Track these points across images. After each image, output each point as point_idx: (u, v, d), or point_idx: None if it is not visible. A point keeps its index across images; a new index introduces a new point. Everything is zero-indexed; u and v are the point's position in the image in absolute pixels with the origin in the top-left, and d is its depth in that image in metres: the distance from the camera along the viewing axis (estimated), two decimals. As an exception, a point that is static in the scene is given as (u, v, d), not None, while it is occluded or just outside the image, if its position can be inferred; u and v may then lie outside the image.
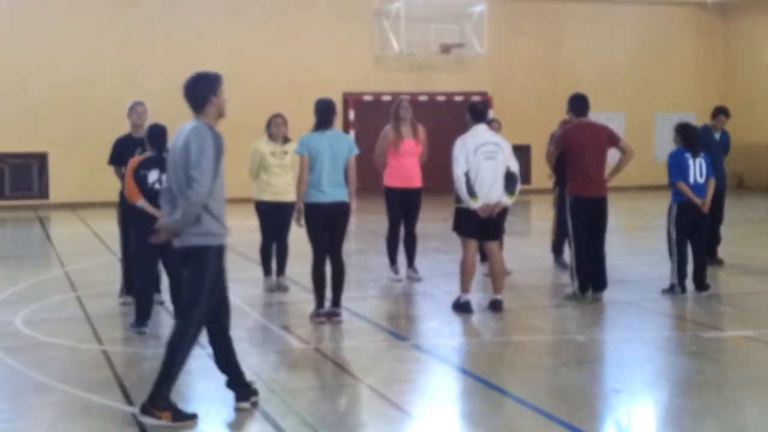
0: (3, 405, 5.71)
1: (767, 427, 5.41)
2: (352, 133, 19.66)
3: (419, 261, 10.14)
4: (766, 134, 22.19)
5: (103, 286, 9.53)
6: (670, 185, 9.01)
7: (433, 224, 13.09)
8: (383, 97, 20.62)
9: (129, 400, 5.77)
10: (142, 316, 7.52)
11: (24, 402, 5.80)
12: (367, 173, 20.90)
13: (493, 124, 9.52)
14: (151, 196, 7.44)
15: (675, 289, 8.95)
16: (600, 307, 8.55)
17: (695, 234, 9.03)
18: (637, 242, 12.86)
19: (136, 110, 8.63)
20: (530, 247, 12.25)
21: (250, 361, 6.67)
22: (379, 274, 10.19)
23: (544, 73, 22.39)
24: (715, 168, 9.26)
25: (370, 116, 20.63)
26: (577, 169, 8.66)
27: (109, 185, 8.78)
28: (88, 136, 18.33)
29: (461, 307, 8.26)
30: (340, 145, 7.87)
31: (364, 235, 14.22)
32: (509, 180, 8.16)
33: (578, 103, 8.79)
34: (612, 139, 8.73)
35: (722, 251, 10.97)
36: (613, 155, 8.69)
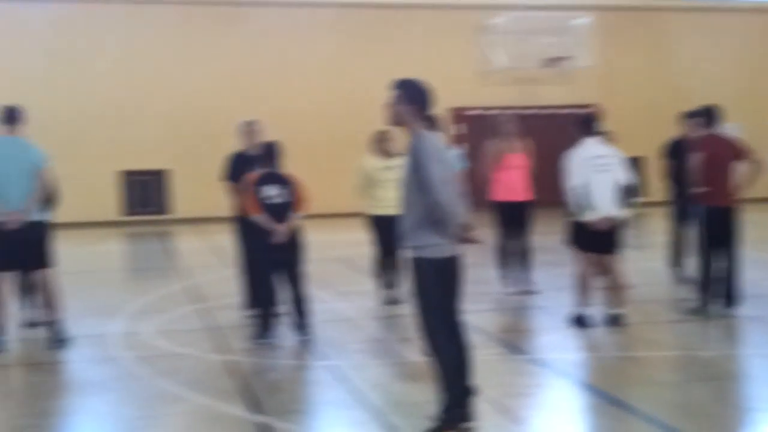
0: (136, 413, 5.92)
1: None
2: (459, 148, 19.68)
3: (534, 274, 10.05)
4: None
5: (226, 298, 9.80)
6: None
7: (547, 237, 12.95)
8: (489, 112, 20.60)
9: (255, 410, 5.90)
10: (265, 327, 7.72)
11: (156, 410, 5.99)
12: (474, 187, 20.79)
13: (607, 137, 9.38)
14: (268, 210, 7.65)
15: (804, 304, 8.62)
16: (725, 322, 8.30)
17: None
18: (761, 256, 12.42)
19: (249, 129, 8.85)
20: (647, 260, 11.97)
21: (370, 373, 6.76)
22: (493, 288, 10.16)
23: (652, 84, 21.96)
24: None
25: (477, 130, 20.64)
26: (709, 180, 8.46)
27: (226, 200, 9.04)
28: (207, 154, 18.89)
29: (578, 322, 8.17)
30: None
31: (477, 249, 14.16)
32: (624, 192, 8.04)
33: (711, 115, 8.62)
34: (742, 152, 8.52)
35: None
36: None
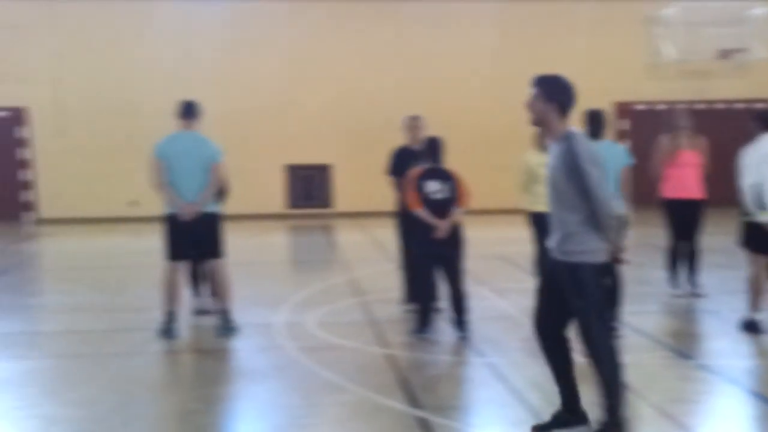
0: (299, 401, 6.10)
1: None
2: (626, 144, 19.15)
3: (702, 276, 9.66)
4: None
5: (386, 292, 9.95)
6: None
7: (718, 238, 12.41)
8: (657, 106, 19.92)
9: (413, 404, 5.97)
10: (423, 322, 7.79)
11: (317, 399, 6.16)
12: (642, 184, 20.23)
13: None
14: (430, 205, 7.70)
15: None
16: None
17: None
18: None
19: (413, 124, 8.95)
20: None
21: (529, 371, 6.70)
22: (659, 289, 9.83)
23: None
24: None
25: (645, 126, 20.00)
26: None
27: (389, 195, 9.17)
28: (369, 148, 19.27)
29: (750, 327, 7.78)
30: (615, 155, 7.74)
31: (642, 248, 13.76)
32: (803, 192, 7.56)
33: None
34: None
35: None
36: None
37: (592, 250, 5.00)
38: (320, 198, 20.36)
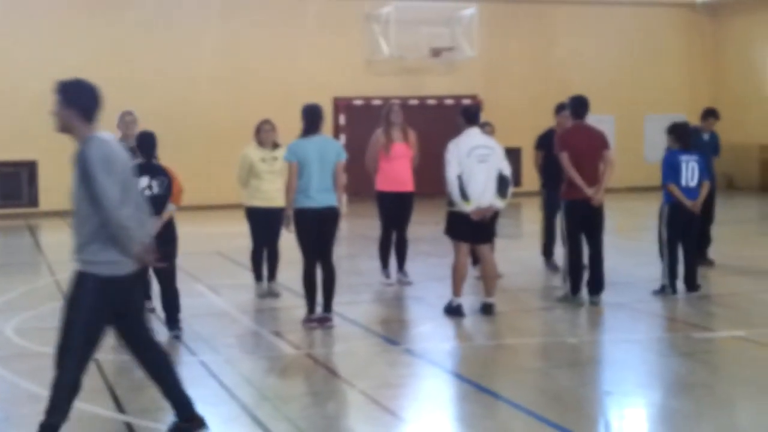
0: (-7, 415, 5.70)
1: (759, 427, 5.43)
2: (342, 138, 19.68)
3: (410, 265, 10.13)
4: (755, 135, 22.28)
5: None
6: (662, 187, 9.04)
7: (424, 228, 13.10)
8: (373, 102, 20.62)
9: (120, 409, 5.75)
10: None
11: (15, 411, 5.79)
12: (357, 177, 20.87)
13: (486, 128, 9.52)
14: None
15: (666, 290, 8.97)
16: (591, 309, 8.56)
17: (686, 235, 9.05)
18: (628, 243, 12.88)
19: (125, 119, 8.71)
20: (520, 249, 12.24)
21: (242, 368, 6.68)
22: (371, 279, 10.19)
23: (534, 75, 22.43)
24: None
25: (361, 121, 20.62)
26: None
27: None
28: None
29: (453, 311, 8.27)
30: (328, 150, 7.88)
31: (355, 240, 14.22)
32: (501, 183, 8.16)
33: (578, 106, 8.80)
34: (605, 145, 8.74)
35: (713, 252, 11.00)
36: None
37: (100, 261, 4.73)
38: (24, 196, 19.05)
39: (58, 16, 19.11)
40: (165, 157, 7.98)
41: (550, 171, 9.86)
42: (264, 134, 9.27)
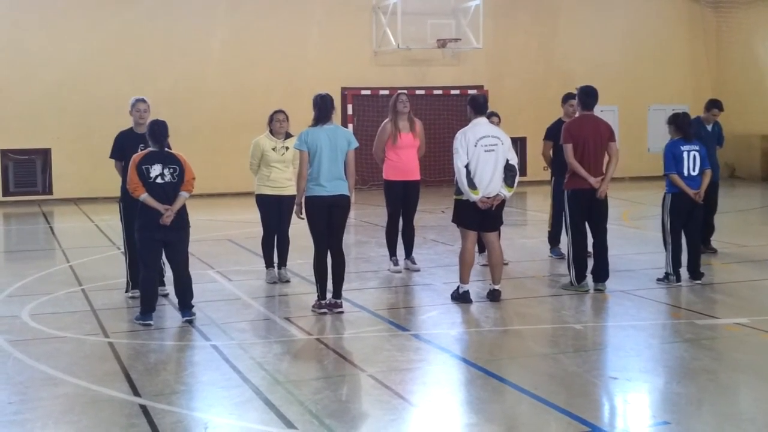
0: (13, 397, 5.79)
1: (761, 413, 5.54)
2: (350, 128, 19.78)
3: (418, 252, 10.25)
4: (757, 125, 22.35)
5: (108, 279, 9.65)
6: (665, 176, 9.15)
7: (432, 216, 13.21)
8: (381, 92, 20.73)
9: (135, 392, 5.87)
10: (148, 309, 7.64)
11: (33, 394, 5.88)
12: (365, 167, 20.97)
13: (493, 119, 9.63)
14: (154, 189, 7.57)
15: (669, 278, 9.09)
16: (596, 296, 8.68)
17: (689, 224, 9.16)
18: (632, 232, 12.98)
19: (138, 107, 8.73)
20: (527, 237, 12.36)
21: (254, 352, 6.80)
22: (379, 266, 10.32)
23: (539, 66, 22.51)
24: (708, 159, 9.39)
25: (368, 111, 20.76)
26: (577, 162, 8.73)
27: (111, 180, 8.87)
28: (91, 132, 18.48)
29: (460, 298, 8.40)
30: (339, 138, 7.99)
31: (364, 227, 14.33)
32: (508, 172, 8.27)
33: (587, 96, 8.86)
34: (611, 136, 8.83)
35: (715, 240, 11.12)
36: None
37: None
38: (38, 184, 19.23)
39: (69, 6, 19.22)
40: (174, 145, 8.09)
41: (559, 161, 9.96)
42: (277, 124, 9.37)
